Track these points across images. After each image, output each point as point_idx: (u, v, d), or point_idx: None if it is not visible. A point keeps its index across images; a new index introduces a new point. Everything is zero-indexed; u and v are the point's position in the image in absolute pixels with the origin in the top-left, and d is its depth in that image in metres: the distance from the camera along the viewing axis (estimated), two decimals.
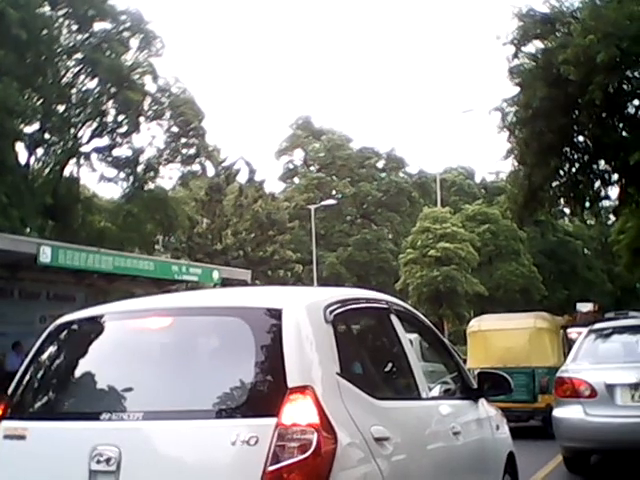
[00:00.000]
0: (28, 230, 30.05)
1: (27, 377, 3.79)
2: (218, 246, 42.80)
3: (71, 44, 34.82)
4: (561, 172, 20.71)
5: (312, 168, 62.90)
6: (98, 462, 3.24)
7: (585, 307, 35.45)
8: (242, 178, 47.90)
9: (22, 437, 3.51)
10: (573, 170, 20.86)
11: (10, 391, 3.79)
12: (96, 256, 16.36)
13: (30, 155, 34.64)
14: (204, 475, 3.17)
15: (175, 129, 39.03)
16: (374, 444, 3.48)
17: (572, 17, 18.87)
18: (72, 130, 35.78)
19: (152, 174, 38.48)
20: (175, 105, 38.02)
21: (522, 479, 6.01)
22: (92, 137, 36.74)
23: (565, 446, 9.09)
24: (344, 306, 3.92)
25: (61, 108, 34.76)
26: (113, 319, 3.92)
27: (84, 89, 35.98)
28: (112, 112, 36.54)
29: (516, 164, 20.88)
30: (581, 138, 20.49)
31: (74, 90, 35.70)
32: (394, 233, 58.78)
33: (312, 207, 47.38)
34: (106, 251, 17.89)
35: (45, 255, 14.64)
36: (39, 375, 3.84)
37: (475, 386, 5.29)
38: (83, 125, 36.31)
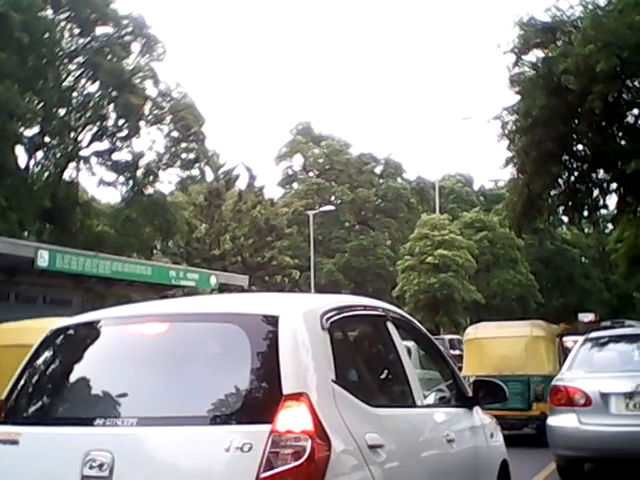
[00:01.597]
0: (26, 234, 30.02)
1: (22, 382, 3.76)
2: (216, 251, 42.81)
3: (73, 48, 34.94)
4: (560, 181, 20.75)
5: (311, 174, 62.94)
6: (91, 467, 3.22)
7: (587, 317, 35.83)
8: (241, 183, 47.99)
9: (15, 442, 3.48)
10: (572, 179, 20.90)
11: (4, 395, 3.76)
12: (94, 260, 16.38)
13: (30, 158, 34.70)
14: None
15: (175, 134, 39.09)
16: (368, 451, 3.48)
17: (573, 26, 18.93)
18: (72, 134, 35.85)
19: (151, 179, 38.56)
20: (176, 110, 38.07)
21: None
22: (92, 141, 36.81)
23: (559, 454, 9.08)
24: (341, 313, 3.91)
25: (62, 112, 34.84)
26: (109, 324, 3.91)
27: (85, 93, 36.13)
28: (112, 116, 36.64)
29: (515, 172, 20.90)
30: (580, 147, 20.53)
31: (75, 94, 35.82)
32: (392, 239, 58.78)
33: (310, 213, 47.40)
34: (104, 255, 17.93)
35: (43, 259, 14.68)
36: (34, 380, 3.82)
37: (470, 394, 5.28)
38: (83, 129, 36.38)
